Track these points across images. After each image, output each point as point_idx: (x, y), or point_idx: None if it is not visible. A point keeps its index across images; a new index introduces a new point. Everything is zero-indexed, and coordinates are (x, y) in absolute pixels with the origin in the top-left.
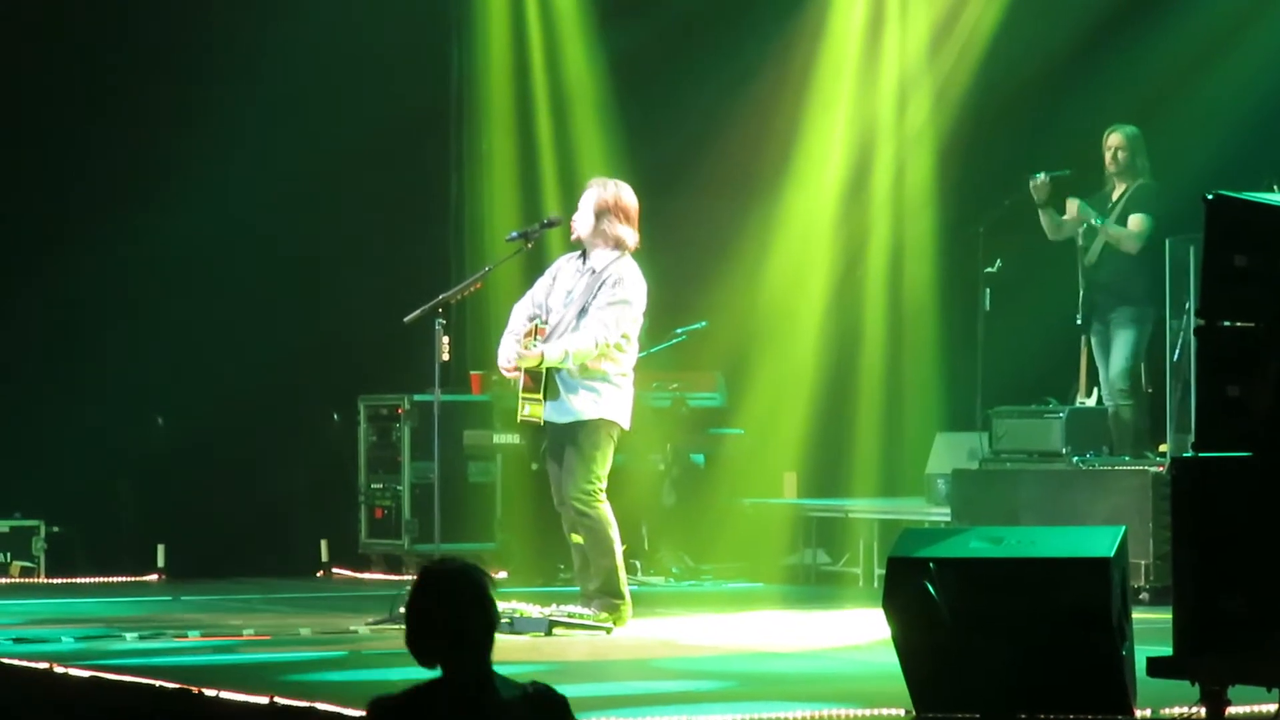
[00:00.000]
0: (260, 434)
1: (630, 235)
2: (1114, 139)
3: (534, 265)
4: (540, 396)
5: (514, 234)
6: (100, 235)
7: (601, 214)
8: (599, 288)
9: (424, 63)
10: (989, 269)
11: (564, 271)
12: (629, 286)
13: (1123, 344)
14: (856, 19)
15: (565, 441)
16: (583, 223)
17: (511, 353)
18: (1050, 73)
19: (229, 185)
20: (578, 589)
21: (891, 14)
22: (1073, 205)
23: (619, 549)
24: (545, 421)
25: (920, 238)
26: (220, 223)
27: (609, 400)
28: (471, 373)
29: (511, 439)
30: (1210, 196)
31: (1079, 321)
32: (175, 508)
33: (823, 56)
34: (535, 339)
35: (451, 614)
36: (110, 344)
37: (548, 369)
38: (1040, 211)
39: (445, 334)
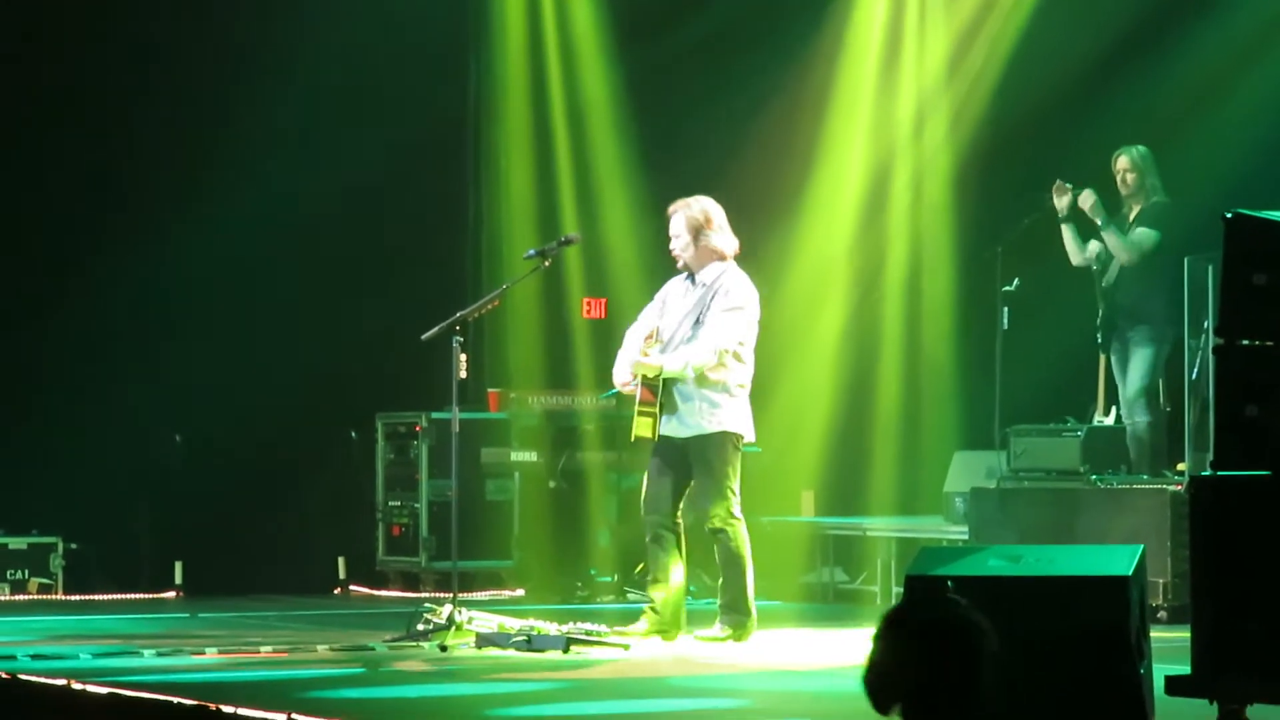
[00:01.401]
0: (278, 451)
1: (729, 242)
2: (1122, 161)
3: (552, 282)
4: (656, 411)
5: (531, 251)
6: (119, 256)
7: (697, 233)
8: (711, 298)
9: (442, 82)
10: (1007, 288)
11: (673, 294)
12: (741, 293)
13: (1139, 363)
14: (874, 40)
15: (685, 456)
16: (682, 247)
17: (628, 368)
18: (1068, 92)
19: (247, 206)
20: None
21: (909, 35)
22: (1088, 198)
23: (750, 567)
24: (660, 436)
25: (938, 257)
26: (238, 243)
27: (729, 411)
28: (489, 390)
29: (529, 456)
30: (1229, 215)
31: (1099, 341)
32: (193, 525)
33: (840, 77)
34: (654, 343)
35: (931, 672)
36: (129, 362)
37: (665, 381)
38: (1063, 226)
39: (463, 351)
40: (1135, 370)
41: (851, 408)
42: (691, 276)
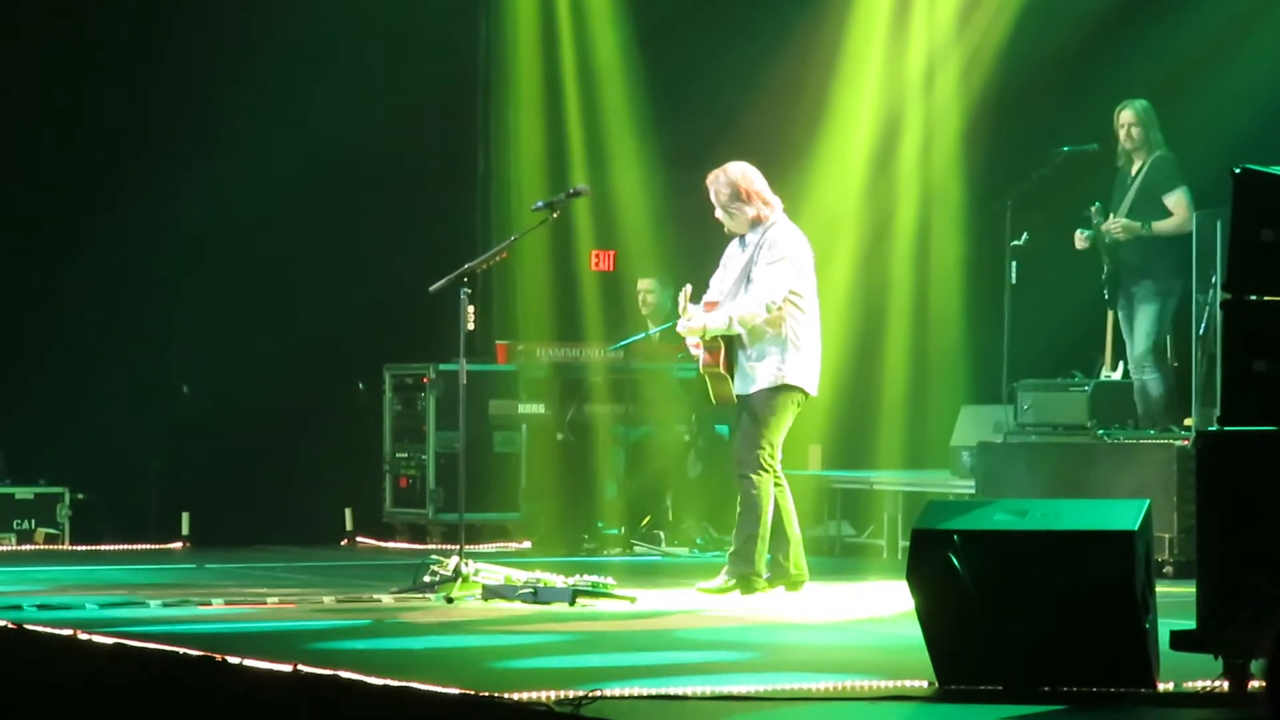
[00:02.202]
0: (286, 403)
1: (762, 208)
2: (1125, 115)
3: (561, 235)
4: (721, 370)
5: (540, 204)
6: (129, 210)
7: (726, 207)
8: (758, 254)
9: (452, 35)
10: (1016, 242)
11: (730, 258)
12: (784, 245)
13: (1146, 318)
14: None
15: (746, 409)
16: (720, 217)
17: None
18: (1079, 46)
19: (257, 157)
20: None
21: None
22: (1082, 241)
23: (768, 522)
24: (737, 396)
25: (947, 211)
26: (247, 194)
27: (790, 364)
28: (497, 342)
29: (537, 409)
30: (1238, 170)
31: (1105, 296)
32: (200, 476)
33: (851, 29)
34: (690, 304)
35: None
36: (136, 313)
37: (728, 342)
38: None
39: (471, 303)
40: (1142, 327)
41: (859, 361)
42: (742, 239)
